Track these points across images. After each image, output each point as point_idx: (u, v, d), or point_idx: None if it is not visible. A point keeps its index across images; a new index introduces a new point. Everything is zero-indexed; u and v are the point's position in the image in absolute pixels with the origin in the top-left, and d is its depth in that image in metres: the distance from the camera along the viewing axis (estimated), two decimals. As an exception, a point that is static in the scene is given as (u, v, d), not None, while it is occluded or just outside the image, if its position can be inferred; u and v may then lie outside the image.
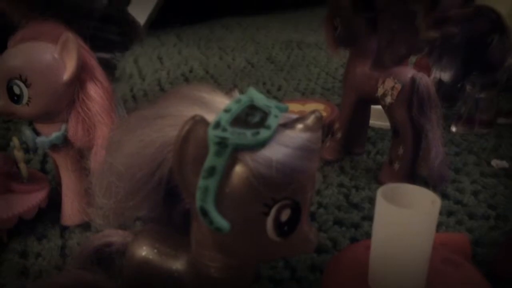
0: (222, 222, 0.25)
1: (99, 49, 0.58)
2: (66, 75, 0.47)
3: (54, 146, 0.50)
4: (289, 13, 1.76)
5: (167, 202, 0.29)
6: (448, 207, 0.56)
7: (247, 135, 0.24)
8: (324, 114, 0.75)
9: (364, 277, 0.36)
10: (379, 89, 0.60)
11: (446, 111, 0.77)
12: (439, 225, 0.52)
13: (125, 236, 0.33)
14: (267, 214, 0.25)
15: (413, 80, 0.57)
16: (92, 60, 0.50)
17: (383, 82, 0.59)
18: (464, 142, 0.74)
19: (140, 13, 1.38)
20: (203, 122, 0.24)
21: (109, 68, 0.63)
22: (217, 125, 0.24)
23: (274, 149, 0.24)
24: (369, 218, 0.54)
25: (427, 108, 0.56)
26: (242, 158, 0.24)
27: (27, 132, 0.51)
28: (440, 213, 0.33)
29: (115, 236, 0.33)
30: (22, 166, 0.54)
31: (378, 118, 0.76)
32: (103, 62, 0.59)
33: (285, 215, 0.26)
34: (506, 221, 0.54)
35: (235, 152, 0.24)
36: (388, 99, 0.59)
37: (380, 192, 0.33)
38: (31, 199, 0.52)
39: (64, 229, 0.53)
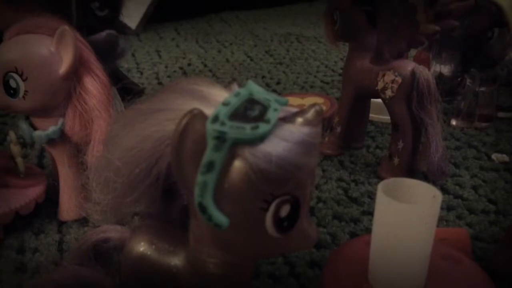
0: (220, 218, 0.24)
1: (92, 29, 0.57)
2: (63, 68, 0.47)
3: (51, 141, 0.50)
4: (288, 6, 1.76)
5: (165, 197, 0.29)
6: (448, 202, 0.56)
7: (246, 129, 0.24)
8: (324, 108, 0.75)
9: (364, 272, 0.36)
10: (379, 83, 0.59)
11: (446, 105, 0.76)
12: (439, 220, 0.52)
13: (123, 231, 0.33)
14: (266, 210, 0.25)
15: (413, 73, 0.56)
16: (89, 53, 0.50)
17: (383, 76, 0.59)
18: (464, 136, 0.73)
19: (138, 6, 1.37)
20: (201, 115, 0.24)
21: (113, 46, 0.61)
22: (216, 119, 0.24)
23: (274, 143, 0.24)
24: (369, 212, 0.54)
25: (427, 102, 0.56)
26: (241, 153, 0.24)
27: (24, 127, 0.50)
28: (440, 208, 0.33)
29: (113, 232, 0.33)
30: (19, 160, 0.54)
31: (377, 112, 0.76)
32: (104, 42, 0.58)
33: (284, 211, 0.25)
34: (506, 215, 0.54)
35: (234, 147, 0.24)
36: (388, 93, 0.58)
37: (380, 187, 0.33)
38: (28, 194, 0.52)
39: (61, 224, 0.53)
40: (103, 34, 0.59)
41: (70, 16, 0.58)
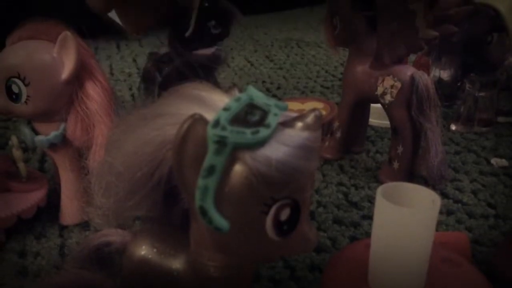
0: (221, 222, 0.25)
1: (203, 45, 0.61)
2: (65, 73, 0.47)
3: (52, 145, 0.50)
4: (289, 11, 1.76)
5: (166, 201, 0.29)
6: (448, 206, 0.56)
7: (247, 134, 0.24)
8: (324, 112, 0.75)
9: (363, 276, 0.36)
10: (378, 88, 0.60)
11: (446, 109, 0.77)
12: (439, 224, 0.52)
13: (124, 235, 0.33)
14: (266, 213, 0.25)
15: (412, 78, 0.57)
16: (91, 58, 0.50)
17: (383, 81, 0.59)
18: (463, 140, 0.73)
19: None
20: (202, 120, 0.24)
21: (217, 61, 0.64)
22: (217, 123, 0.24)
23: (274, 148, 0.24)
24: (369, 217, 0.54)
25: (426, 106, 0.56)
26: (242, 157, 0.24)
27: (26, 131, 0.50)
28: (440, 212, 0.33)
29: (114, 236, 0.33)
30: (21, 165, 0.54)
31: (377, 117, 0.76)
32: (211, 57, 0.62)
33: (284, 215, 0.26)
34: (506, 220, 0.54)
35: (235, 151, 0.24)
36: (388, 98, 0.59)
37: (380, 191, 0.33)
38: (30, 198, 0.52)
39: (63, 228, 0.53)
40: (212, 50, 0.63)
41: (186, 28, 0.60)
